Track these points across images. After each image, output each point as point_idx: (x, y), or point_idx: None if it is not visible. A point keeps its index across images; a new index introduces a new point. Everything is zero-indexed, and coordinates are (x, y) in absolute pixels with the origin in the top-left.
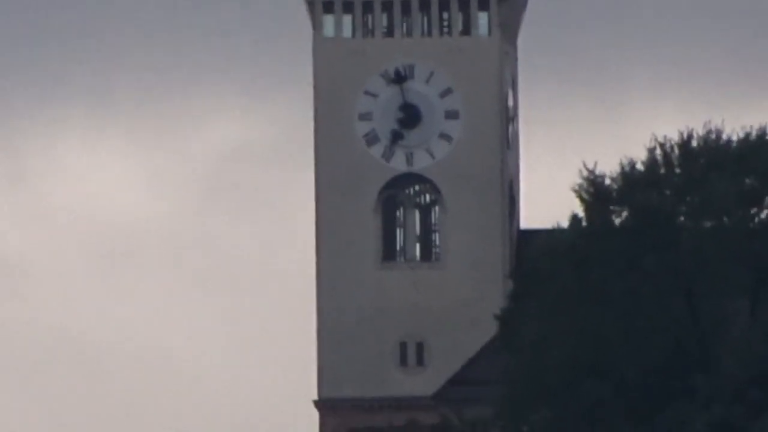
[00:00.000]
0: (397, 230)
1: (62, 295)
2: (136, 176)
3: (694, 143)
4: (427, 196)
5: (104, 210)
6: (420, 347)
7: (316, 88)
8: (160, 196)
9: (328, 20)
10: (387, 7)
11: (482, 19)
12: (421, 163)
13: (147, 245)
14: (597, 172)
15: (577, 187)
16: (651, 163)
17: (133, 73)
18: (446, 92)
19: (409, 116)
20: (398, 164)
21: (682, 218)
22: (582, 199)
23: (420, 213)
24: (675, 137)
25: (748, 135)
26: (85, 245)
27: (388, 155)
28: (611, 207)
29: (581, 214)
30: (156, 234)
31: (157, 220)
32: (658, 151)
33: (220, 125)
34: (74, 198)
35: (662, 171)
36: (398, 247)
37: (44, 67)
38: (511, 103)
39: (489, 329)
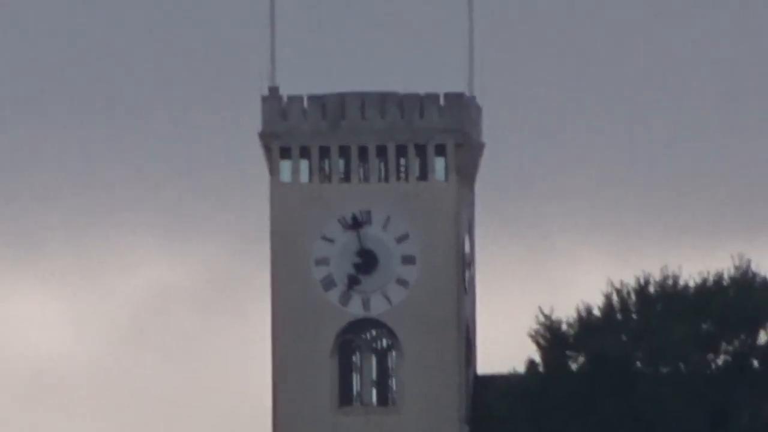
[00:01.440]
0: (354, 375)
1: None
2: (59, 318)
3: (651, 289)
4: (384, 341)
5: (28, 352)
6: None
7: (273, 232)
8: (85, 338)
9: (285, 165)
10: (344, 153)
11: (439, 164)
12: (378, 308)
13: (72, 387)
14: (553, 317)
15: (533, 333)
16: (608, 308)
17: (60, 214)
18: (403, 237)
19: (366, 261)
20: (355, 309)
21: (638, 363)
22: (538, 345)
23: (377, 358)
24: (632, 283)
25: (705, 281)
26: (7, 388)
27: (344, 300)
28: (568, 352)
29: (538, 359)
30: (82, 376)
31: (82, 362)
32: (615, 297)
33: (161, 266)
34: None
35: (619, 316)
36: (355, 392)
37: None
38: (467, 248)
39: None
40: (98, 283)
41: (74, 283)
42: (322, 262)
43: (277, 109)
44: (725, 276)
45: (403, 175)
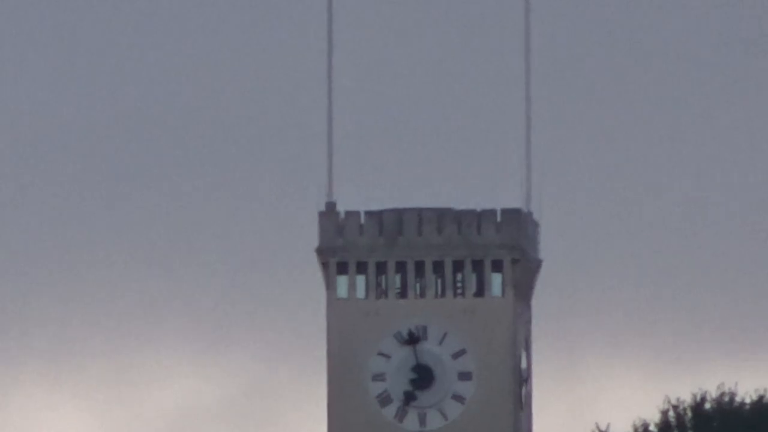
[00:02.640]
0: None
1: None
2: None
3: (708, 405)
4: None
5: None
6: None
7: (329, 347)
8: None
9: (342, 281)
10: (400, 269)
11: (496, 280)
12: (434, 424)
13: None
14: None
15: None
16: (664, 425)
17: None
18: (459, 353)
19: (422, 377)
20: (411, 425)
21: None
22: None
23: None
24: (688, 399)
25: (761, 397)
26: None
27: (401, 416)
28: None
29: None
30: None
31: None
32: (671, 413)
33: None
34: None
35: None
36: None
37: None
38: (524, 364)
39: None
40: (131, 397)
41: (107, 395)
42: (378, 377)
43: (334, 225)
44: None
45: (459, 290)
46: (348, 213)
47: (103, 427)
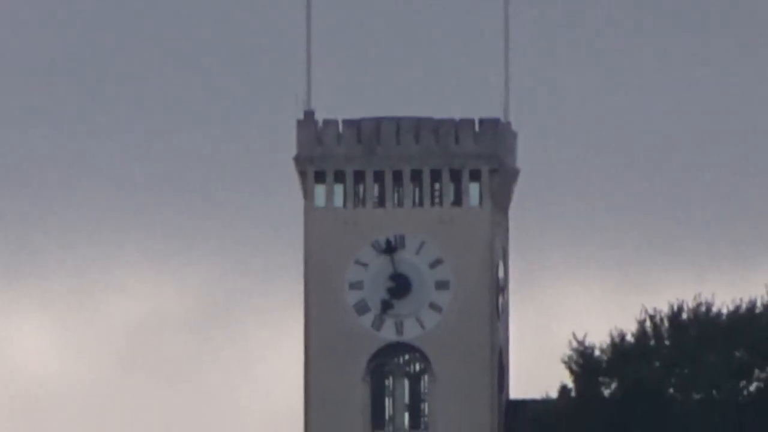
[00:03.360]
0: (386, 399)
1: None
2: (52, 340)
3: (684, 316)
4: (417, 366)
5: (19, 374)
6: None
7: (306, 256)
8: (77, 361)
9: (320, 190)
10: (378, 178)
11: (473, 189)
12: (411, 333)
13: (63, 410)
14: (587, 343)
15: (566, 358)
16: (641, 335)
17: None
18: (436, 262)
19: (400, 286)
20: (388, 334)
21: (671, 390)
22: (571, 370)
23: (409, 382)
24: (665, 310)
25: (738, 308)
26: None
27: (378, 324)
28: (601, 379)
29: (571, 385)
30: (73, 399)
31: (74, 384)
32: (648, 324)
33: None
34: None
35: (652, 343)
36: (387, 416)
37: None
38: (501, 273)
39: None
40: (94, 306)
41: (69, 305)
42: (355, 286)
43: (313, 134)
44: (758, 303)
45: (437, 200)
46: (326, 121)
47: (64, 338)
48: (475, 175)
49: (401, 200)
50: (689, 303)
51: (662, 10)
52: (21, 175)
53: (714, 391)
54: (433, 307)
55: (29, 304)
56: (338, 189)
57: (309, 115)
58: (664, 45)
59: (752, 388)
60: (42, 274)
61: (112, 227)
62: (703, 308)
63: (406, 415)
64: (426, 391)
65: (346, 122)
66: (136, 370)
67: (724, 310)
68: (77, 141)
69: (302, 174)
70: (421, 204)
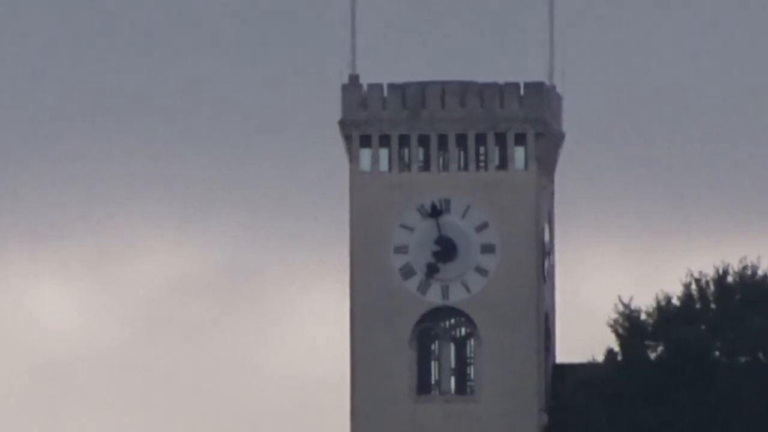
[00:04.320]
0: (432, 363)
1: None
2: (75, 305)
3: (730, 279)
4: (463, 330)
5: (42, 339)
6: None
7: (352, 220)
8: (99, 326)
9: (365, 154)
10: (423, 142)
11: (519, 153)
12: (457, 297)
13: (85, 374)
14: (632, 307)
15: (612, 322)
16: (686, 298)
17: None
18: (482, 226)
19: (445, 250)
20: (434, 297)
21: (717, 354)
22: (617, 334)
23: (455, 346)
24: (711, 273)
25: None
26: (23, 374)
27: (423, 288)
28: (646, 342)
29: (617, 348)
30: (96, 363)
31: (97, 349)
32: (694, 287)
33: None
34: (8, 328)
35: (698, 306)
36: (433, 381)
37: None
38: (547, 237)
39: None
40: (121, 270)
41: (91, 270)
42: (401, 250)
43: (358, 98)
44: None
45: (482, 164)
46: (371, 86)
47: (86, 301)
48: (520, 139)
49: (446, 164)
50: (735, 266)
51: None
52: (41, 139)
53: (760, 354)
54: (479, 270)
55: (52, 268)
56: (383, 153)
57: (354, 79)
58: (710, 9)
59: None
60: (63, 238)
61: (152, 189)
62: (749, 271)
63: (452, 379)
64: (472, 355)
65: (390, 86)
66: (161, 333)
67: None
68: (105, 100)
69: (347, 138)
70: (466, 168)
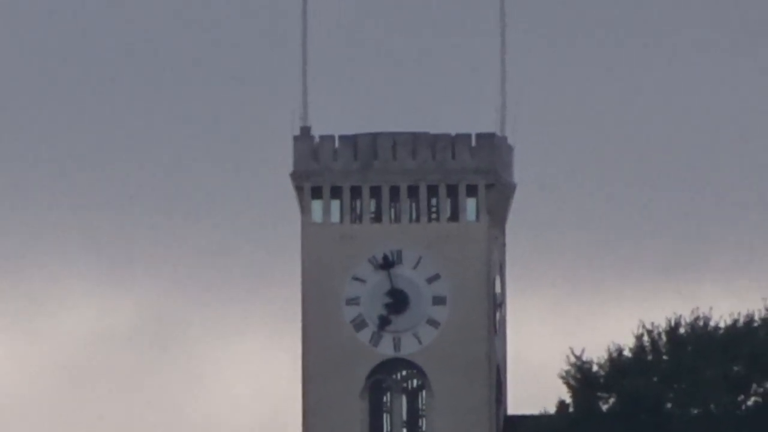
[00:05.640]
0: (384, 415)
1: None
2: None
3: (682, 330)
4: (415, 381)
5: None
6: None
7: (304, 272)
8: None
9: (317, 205)
10: (375, 193)
11: (470, 205)
12: (409, 348)
13: (13, 428)
14: (584, 358)
15: (564, 373)
16: (638, 350)
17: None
18: (434, 278)
19: (397, 302)
20: (386, 349)
21: (669, 405)
22: (569, 385)
23: (407, 398)
24: (663, 324)
25: (735, 322)
26: None
27: (375, 340)
28: (598, 393)
29: (568, 400)
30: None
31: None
32: (646, 338)
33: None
34: None
35: (650, 358)
36: None
37: None
38: (498, 289)
39: None
40: (40, 324)
41: (17, 322)
42: (353, 302)
43: (309, 149)
44: (756, 317)
45: (434, 215)
46: (322, 137)
47: (11, 356)
48: (471, 190)
49: (398, 215)
50: (686, 317)
51: (658, 28)
52: None
53: (712, 405)
54: (431, 322)
55: None
56: (335, 204)
57: (305, 130)
58: (662, 62)
59: (750, 402)
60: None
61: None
62: (701, 322)
63: (404, 431)
64: (424, 406)
65: (342, 138)
66: (88, 385)
67: (722, 324)
68: (35, 150)
69: (299, 189)
70: (417, 219)
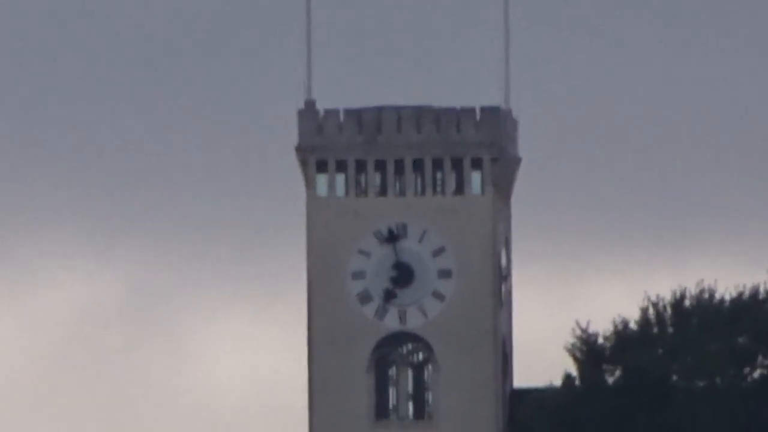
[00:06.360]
0: (390, 389)
1: None
2: None
3: (687, 303)
4: (420, 355)
5: None
6: None
7: (309, 246)
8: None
9: (321, 179)
10: (380, 167)
11: (475, 178)
12: (414, 322)
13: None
14: (590, 331)
15: (570, 346)
16: (644, 322)
17: None
18: (439, 251)
19: (402, 275)
20: (391, 323)
21: (674, 378)
22: (575, 358)
23: (413, 371)
24: (668, 297)
25: (740, 294)
26: None
27: (381, 314)
28: (604, 366)
29: (574, 373)
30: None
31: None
32: (651, 311)
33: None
34: None
35: (655, 330)
36: (391, 406)
37: None
38: (504, 261)
39: None
40: (26, 303)
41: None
42: (358, 276)
43: (314, 123)
44: (761, 290)
45: (439, 189)
46: (327, 111)
47: None
48: (476, 164)
49: (403, 189)
50: (692, 290)
51: (666, 4)
52: None
53: (717, 379)
54: (436, 295)
55: None
56: (340, 178)
57: (310, 104)
58: (665, 32)
59: (755, 375)
60: None
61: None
62: (706, 295)
63: (410, 404)
64: (430, 380)
65: (347, 111)
66: (73, 362)
67: (727, 297)
68: (27, 124)
69: (304, 163)
70: (423, 193)
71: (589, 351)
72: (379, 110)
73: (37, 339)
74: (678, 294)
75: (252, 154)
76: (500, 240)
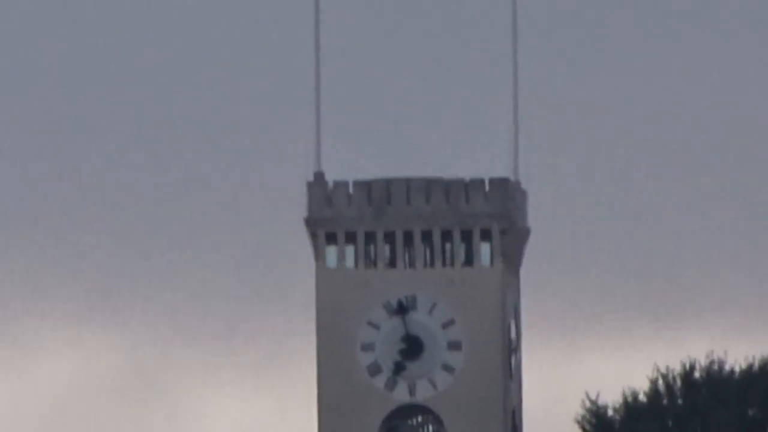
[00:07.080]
0: None
1: None
2: None
3: (697, 374)
4: (430, 427)
5: None
6: None
7: (318, 318)
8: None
9: (331, 251)
10: (389, 239)
11: (484, 249)
12: (424, 394)
13: None
14: (599, 402)
15: (579, 418)
16: (653, 393)
17: None
18: (448, 323)
19: (412, 347)
20: (401, 395)
21: None
22: (585, 430)
23: None
24: (677, 367)
25: (750, 366)
26: None
27: (390, 386)
28: None
29: None
30: None
31: None
32: (661, 382)
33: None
34: None
35: (665, 401)
36: None
37: None
38: (513, 334)
39: None
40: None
41: None
42: (368, 347)
43: (323, 195)
44: None
45: (448, 260)
46: (336, 183)
47: None
48: (485, 235)
49: (412, 261)
50: (701, 361)
51: (677, 65)
52: None
53: None
54: (446, 368)
55: None
56: (349, 250)
57: (319, 176)
58: (676, 102)
59: None
60: None
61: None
62: (716, 366)
63: None
64: None
65: (356, 183)
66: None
67: (737, 368)
68: (15, 198)
69: (313, 235)
70: (432, 264)
71: (599, 423)
72: (389, 182)
73: (37, 407)
74: (687, 365)
75: (261, 227)
76: (509, 311)
